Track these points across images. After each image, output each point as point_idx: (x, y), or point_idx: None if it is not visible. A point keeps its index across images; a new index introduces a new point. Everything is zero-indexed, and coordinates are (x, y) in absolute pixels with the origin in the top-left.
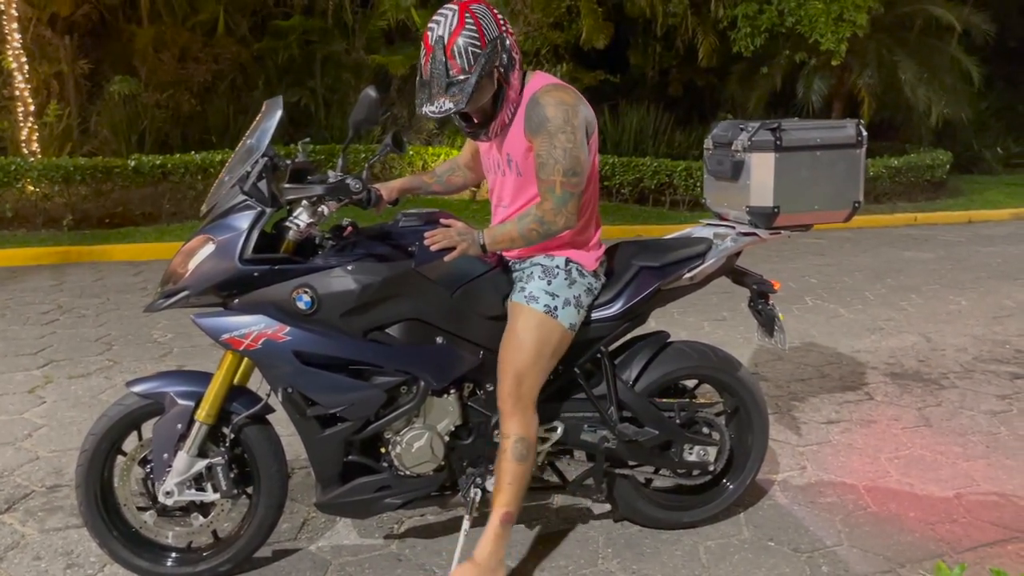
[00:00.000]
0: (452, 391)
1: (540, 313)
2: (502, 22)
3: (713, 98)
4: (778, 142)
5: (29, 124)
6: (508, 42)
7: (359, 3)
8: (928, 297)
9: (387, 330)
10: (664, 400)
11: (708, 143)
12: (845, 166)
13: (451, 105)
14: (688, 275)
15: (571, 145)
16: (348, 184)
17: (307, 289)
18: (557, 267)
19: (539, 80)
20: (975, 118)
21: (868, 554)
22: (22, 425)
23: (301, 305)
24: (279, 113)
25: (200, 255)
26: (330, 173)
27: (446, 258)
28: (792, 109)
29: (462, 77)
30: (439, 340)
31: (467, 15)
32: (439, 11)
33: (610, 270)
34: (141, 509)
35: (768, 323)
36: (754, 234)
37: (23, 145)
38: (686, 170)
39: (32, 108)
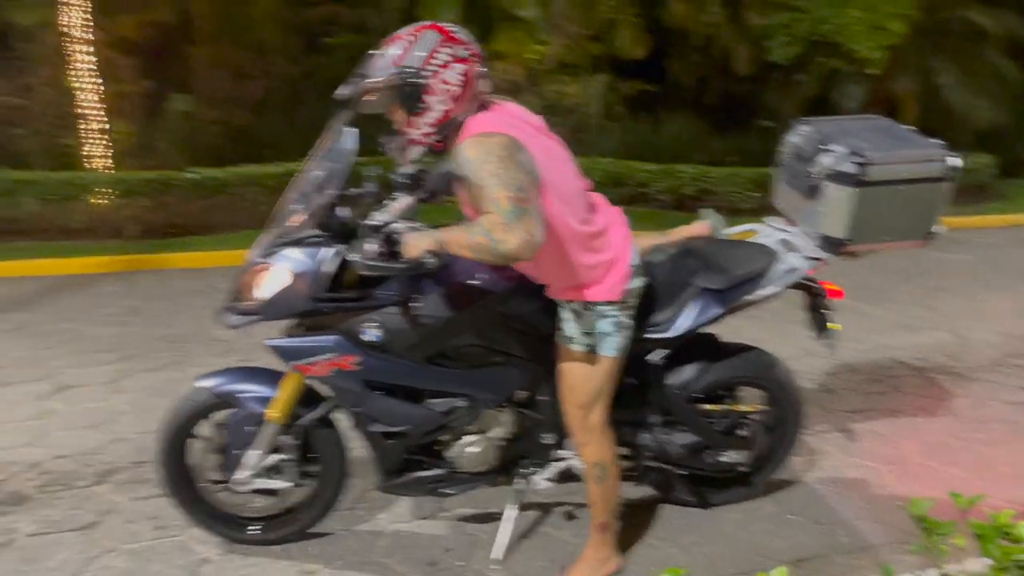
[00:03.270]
0: (506, 403)
1: (582, 352)
2: (437, 66)
3: (750, 105)
4: (861, 177)
5: (96, 141)
6: (428, 84)
7: (404, 20)
8: (960, 296)
9: (448, 353)
10: (709, 407)
11: (786, 148)
12: (928, 199)
13: (343, 91)
14: (749, 298)
15: (502, 169)
16: (427, 262)
17: (376, 323)
18: (583, 309)
19: (468, 129)
20: (1017, 122)
21: (886, 526)
22: (107, 412)
23: (369, 337)
24: (355, 139)
25: (275, 285)
26: (402, 224)
27: (408, 256)
28: (828, 114)
29: (363, 74)
30: (498, 360)
31: (415, 33)
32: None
33: (667, 282)
34: (216, 483)
35: (820, 327)
36: (819, 259)
37: (90, 160)
38: (724, 177)
39: (99, 126)
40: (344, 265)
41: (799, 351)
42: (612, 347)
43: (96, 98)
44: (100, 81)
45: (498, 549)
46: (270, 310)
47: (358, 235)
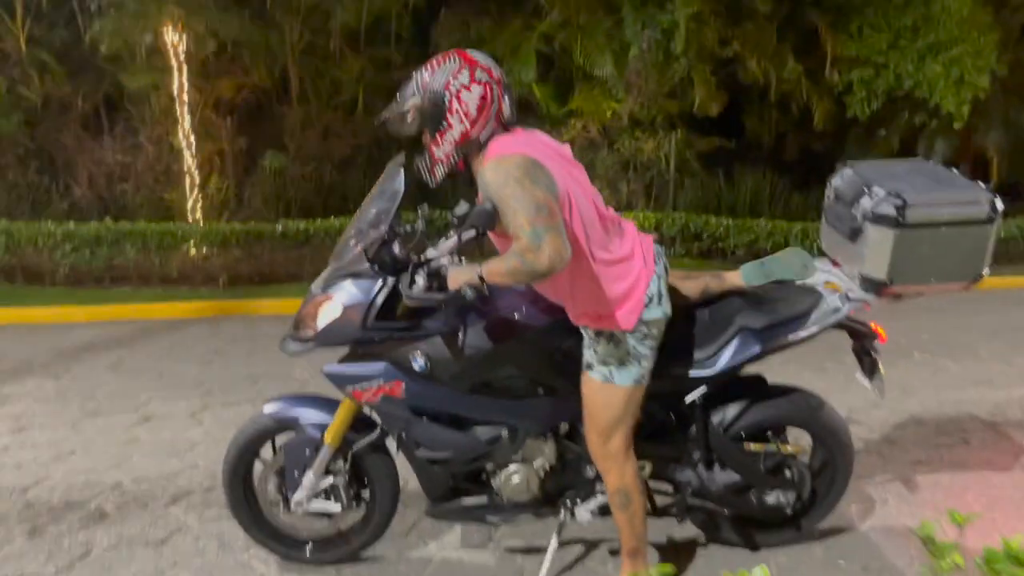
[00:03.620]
0: (548, 433)
1: (599, 381)
2: (457, 88)
3: (831, 160)
4: (900, 219)
5: (195, 195)
6: (448, 104)
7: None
8: None
9: (492, 383)
10: (753, 446)
11: (829, 191)
12: (972, 242)
13: (382, 115)
14: (791, 338)
15: (520, 191)
16: (466, 293)
17: (422, 352)
18: (599, 336)
19: (489, 153)
20: None
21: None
22: (184, 442)
23: (416, 366)
24: (402, 179)
25: (329, 315)
26: (446, 259)
27: (451, 287)
28: None
29: (398, 98)
30: (539, 392)
31: (441, 59)
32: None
33: (710, 321)
34: (276, 504)
35: (870, 370)
36: (861, 300)
37: (189, 213)
38: (802, 231)
39: (197, 181)
40: (395, 297)
41: (866, 403)
42: (628, 377)
43: (195, 155)
44: (193, 139)
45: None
46: (325, 338)
47: (408, 269)
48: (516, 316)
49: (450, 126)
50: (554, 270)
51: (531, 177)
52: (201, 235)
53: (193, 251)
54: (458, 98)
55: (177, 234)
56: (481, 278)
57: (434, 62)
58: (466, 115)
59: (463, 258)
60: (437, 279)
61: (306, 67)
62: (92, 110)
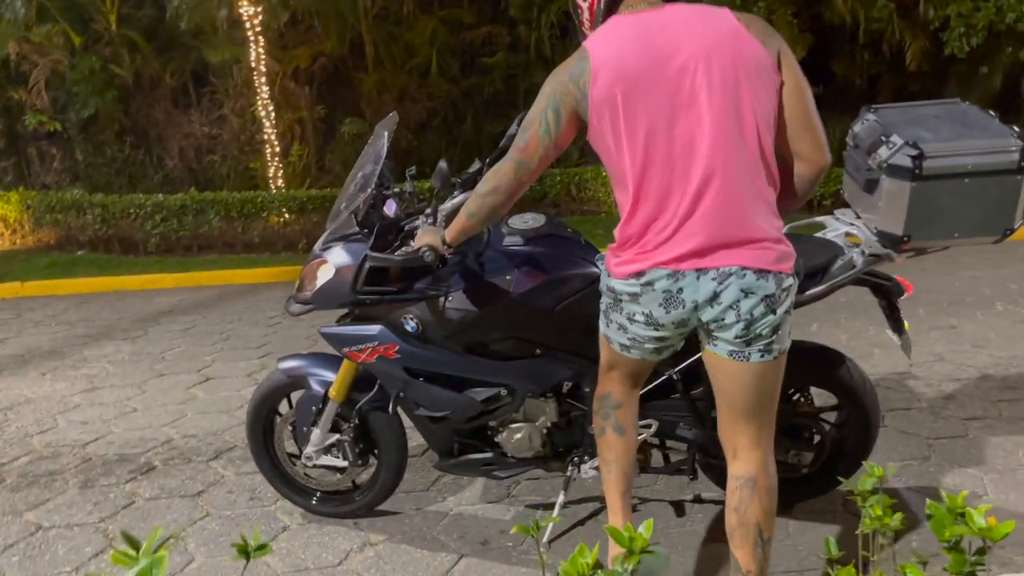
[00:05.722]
0: (550, 393)
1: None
2: None
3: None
4: (917, 171)
5: (276, 163)
6: None
7: (558, 36)
8: None
9: (486, 344)
10: None
11: (849, 138)
12: (999, 193)
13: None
14: (807, 295)
15: (535, 105)
16: (423, 256)
17: (412, 315)
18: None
19: None
20: None
21: None
22: (237, 399)
23: (408, 328)
24: (384, 141)
25: (323, 277)
26: (421, 218)
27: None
28: (1018, 108)
29: None
30: (538, 352)
31: None
32: None
33: None
34: (293, 457)
35: (897, 327)
36: (879, 256)
37: (271, 181)
38: None
39: (278, 149)
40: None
41: (930, 356)
42: (607, 331)
43: (274, 125)
44: (273, 109)
45: (547, 533)
46: (320, 300)
47: (375, 233)
48: (502, 279)
49: (579, 8)
50: (487, 193)
51: (546, 94)
52: (281, 202)
53: (275, 217)
54: None
55: (257, 201)
56: (444, 240)
57: None
58: None
59: (441, 221)
60: (410, 240)
61: (379, 32)
62: (180, 85)
